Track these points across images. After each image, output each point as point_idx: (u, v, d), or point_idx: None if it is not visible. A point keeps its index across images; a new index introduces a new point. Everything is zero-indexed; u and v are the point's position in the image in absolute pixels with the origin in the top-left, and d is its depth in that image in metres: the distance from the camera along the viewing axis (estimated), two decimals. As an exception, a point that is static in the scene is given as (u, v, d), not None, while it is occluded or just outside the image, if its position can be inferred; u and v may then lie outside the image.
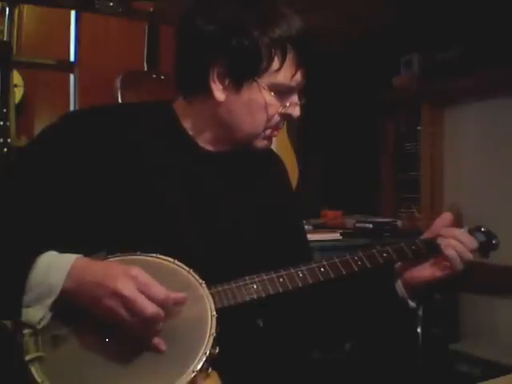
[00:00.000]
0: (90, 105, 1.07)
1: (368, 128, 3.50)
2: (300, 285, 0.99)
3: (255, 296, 0.95)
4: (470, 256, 1.07)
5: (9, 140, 2.21)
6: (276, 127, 1.06)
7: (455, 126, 3.11)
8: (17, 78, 2.61)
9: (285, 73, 1.00)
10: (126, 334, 0.84)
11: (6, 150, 2.19)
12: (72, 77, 2.62)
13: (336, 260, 1.04)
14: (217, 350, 0.86)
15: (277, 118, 1.04)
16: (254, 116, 1.02)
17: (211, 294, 0.91)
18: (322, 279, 1.01)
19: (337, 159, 3.47)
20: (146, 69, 2.66)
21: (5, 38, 2.43)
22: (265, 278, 0.97)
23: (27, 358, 0.80)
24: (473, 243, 1.09)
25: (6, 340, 0.83)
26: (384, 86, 3.30)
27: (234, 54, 0.98)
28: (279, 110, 1.03)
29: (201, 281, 0.91)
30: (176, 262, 0.92)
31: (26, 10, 2.80)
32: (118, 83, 2.57)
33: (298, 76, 1.02)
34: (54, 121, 1.02)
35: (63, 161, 0.96)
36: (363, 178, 3.47)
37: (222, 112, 1.03)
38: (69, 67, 2.62)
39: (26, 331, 0.82)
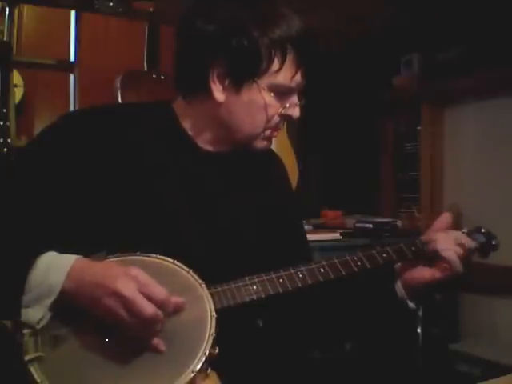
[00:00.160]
0: (89, 105, 1.07)
1: (368, 128, 3.50)
2: (300, 285, 0.99)
3: (255, 296, 0.95)
4: (469, 258, 1.07)
5: (9, 140, 2.21)
6: (276, 128, 1.06)
7: (455, 126, 3.10)
8: (17, 78, 2.61)
9: (285, 73, 1.00)
10: (126, 335, 0.84)
11: (5, 149, 2.18)
12: (72, 77, 2.61)
13: (336, 260, 1.04)
14: (216, 351, 0.86)
15: (276, 118, 1.04)
16: (253, 117, 1.02)
17: (211, 294, 0.91)
18: (321, 280, 1.01)
19: (336, 159, 3.47)
20: (146, 69, 2.65)
21: (5, 38, 2.42)
22: (264, 278, 0.97)
23: (27, 358, 0.80)
24: (472, 245, 1.09)
25: (6, 340, 0.83)
26: (384, 86, 3.29)
27: (234, 54, 0.97)
28: (279, 111, 1.03)
29: (200, 281, 0.91)
30: (176, 262, 0.92)
31: (26, 9, 2.80)
32: (118, 83, 2.57)
33: (298, 77, 1.02)
34: (54, 121, 1.02)
35: (63, 161, 0.96)
36: (363, 177, 3.47)
37: (222, 112, 1.02)
38: (69, 67, 2.62)
39: (25, 331, 0.82)
